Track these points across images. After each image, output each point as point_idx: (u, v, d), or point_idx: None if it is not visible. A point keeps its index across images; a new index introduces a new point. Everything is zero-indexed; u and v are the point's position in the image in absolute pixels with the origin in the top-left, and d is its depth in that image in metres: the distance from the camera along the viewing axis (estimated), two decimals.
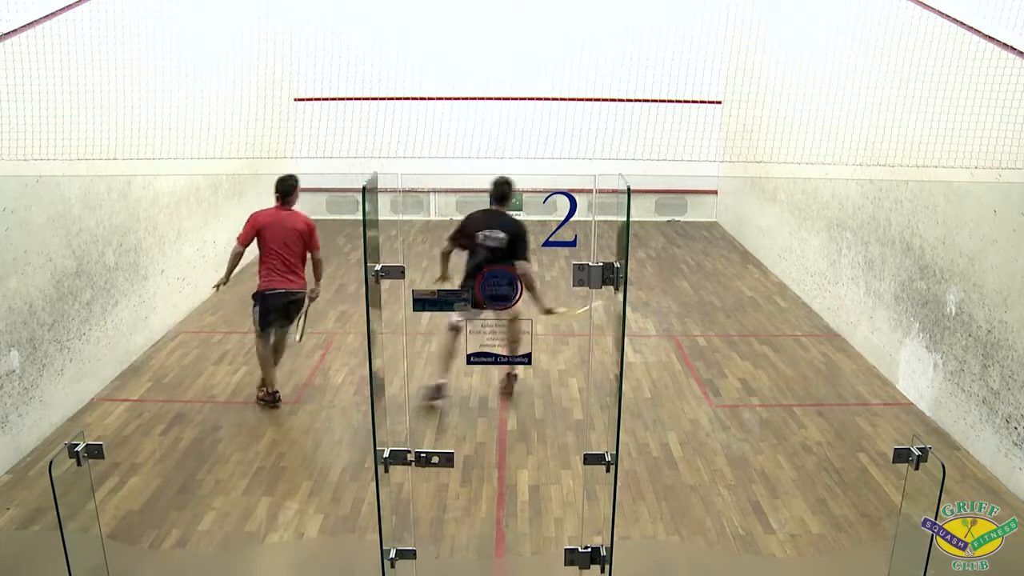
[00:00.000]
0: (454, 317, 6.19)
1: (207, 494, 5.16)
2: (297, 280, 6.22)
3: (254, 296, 6.25)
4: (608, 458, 3.51)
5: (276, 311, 6.21)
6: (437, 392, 6.37)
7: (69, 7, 6.01)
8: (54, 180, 5.91)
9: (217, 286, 6.40)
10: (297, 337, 6.42)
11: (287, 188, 6.24)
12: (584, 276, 3.28)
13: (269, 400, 6.33)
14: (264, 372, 6.35)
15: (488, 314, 6.25)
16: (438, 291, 3.47)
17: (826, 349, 7.68)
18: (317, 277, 6.44)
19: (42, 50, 5.59)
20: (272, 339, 6.34)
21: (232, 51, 8.90)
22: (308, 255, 6.30)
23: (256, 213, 6.26)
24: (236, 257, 6.25)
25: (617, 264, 3.26)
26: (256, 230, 6.16)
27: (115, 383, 6.75)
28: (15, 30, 5.47)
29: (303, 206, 13.98)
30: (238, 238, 6.21)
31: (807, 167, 7.64)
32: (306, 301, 6.36)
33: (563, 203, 3.35)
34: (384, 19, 11.19)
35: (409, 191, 12.43)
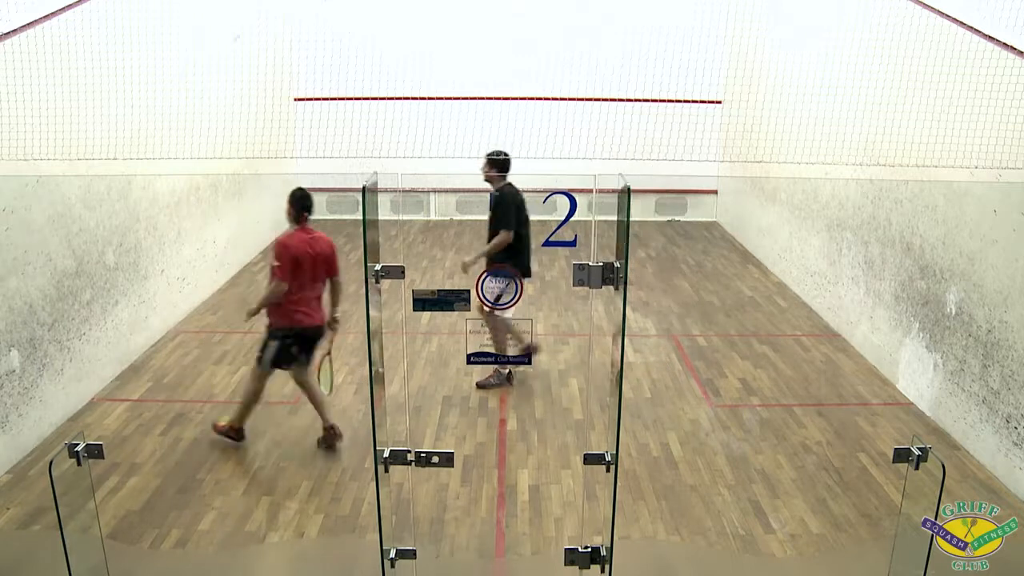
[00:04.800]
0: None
1: (207, 494, 5.16)
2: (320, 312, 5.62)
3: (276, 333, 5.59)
4: (608, 458, 3.51)
5: (302, 348, 5.65)
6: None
7: (69, 7, 6.01)
8: (54, 180, 5.91)
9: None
10: (327, 391, 5.84)
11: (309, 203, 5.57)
12: (584, 276, 3.28)
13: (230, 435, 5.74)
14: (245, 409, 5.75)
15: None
16: (438, 291, 3.47)
17: (826, 349, 7.68)
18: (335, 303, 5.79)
19: (42, 50, 5.59)
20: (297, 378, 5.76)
21: (232, 51, 8.90)
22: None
23: (286, 240, 5.51)
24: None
25: (617, 264, 3.26)
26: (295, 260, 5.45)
27: (115, 383, 6.75)
28: (15, 30, 5.47)
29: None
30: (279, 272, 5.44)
31: (807, 167, 7.63)
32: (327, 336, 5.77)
33: (563, 203, 3.35)
34: (384, 19, 11.19)
35: (409, 191, 12.42)
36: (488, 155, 6.40)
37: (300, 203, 5.55)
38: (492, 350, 5.91)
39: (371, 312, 3.39)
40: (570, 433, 6.03)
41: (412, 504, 4.95)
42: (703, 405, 6.48)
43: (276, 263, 5.46)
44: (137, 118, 6.90)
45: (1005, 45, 5.42)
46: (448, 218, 12.98)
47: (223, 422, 5.80)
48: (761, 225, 10.91)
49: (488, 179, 6.49)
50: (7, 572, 4.44)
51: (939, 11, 6.12)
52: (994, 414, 5.46)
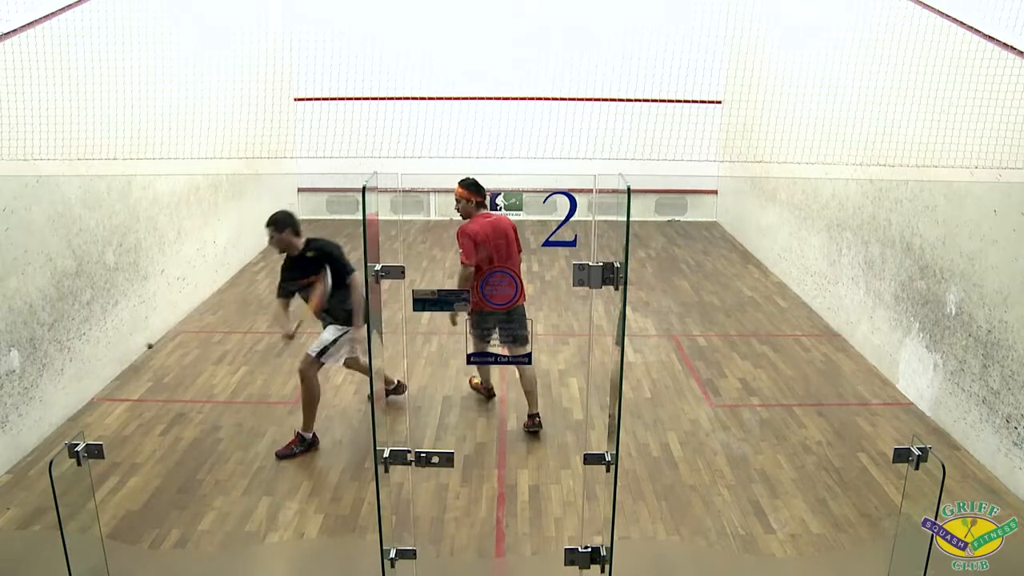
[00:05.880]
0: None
1: (207, 494, 5.16)
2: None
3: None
4: (608, 458, 3.51)
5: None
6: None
7: (69, 7, 6.01)
8: (54, 180, 5.91)
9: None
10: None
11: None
12: (584, 276, 3.28)
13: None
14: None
15: None
16: (438, 291, 3.47)
17: (826, 349, 7.68)
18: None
19: (42, 50, 5.59)
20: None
21: (232, 51, 8.91)
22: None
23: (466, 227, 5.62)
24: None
25: (617, 264, 3.26)
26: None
27: (115, 383, 6.75)
28: (15, 30, 5.47)
29: (304, 206, 13.96)
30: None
31: (807, 167, 7.64)
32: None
33: (563, 203, 3.36)
34: (384, 18, 11.20)
35: (409, 191, 12.43)
36: (286, 218, 5.55)
37: (482, 191, 5.71)
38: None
39: (371, 312, 3.39)
40: (570, 433, 6.03)
41: (412, 504, 4.95)
42: (703, 405, 6.48)
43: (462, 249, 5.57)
44: (137, 118, 6.90)
45: (1005, 45, 5.42)
46: (448, 218, 12.97)
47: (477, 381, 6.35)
48: (761, 225, 10.92)
49: (288, 243, 5.56)
50: (7, 572, 4.44)
51: (939, 11, 6.12)
52: (994, 414, 5.46)
